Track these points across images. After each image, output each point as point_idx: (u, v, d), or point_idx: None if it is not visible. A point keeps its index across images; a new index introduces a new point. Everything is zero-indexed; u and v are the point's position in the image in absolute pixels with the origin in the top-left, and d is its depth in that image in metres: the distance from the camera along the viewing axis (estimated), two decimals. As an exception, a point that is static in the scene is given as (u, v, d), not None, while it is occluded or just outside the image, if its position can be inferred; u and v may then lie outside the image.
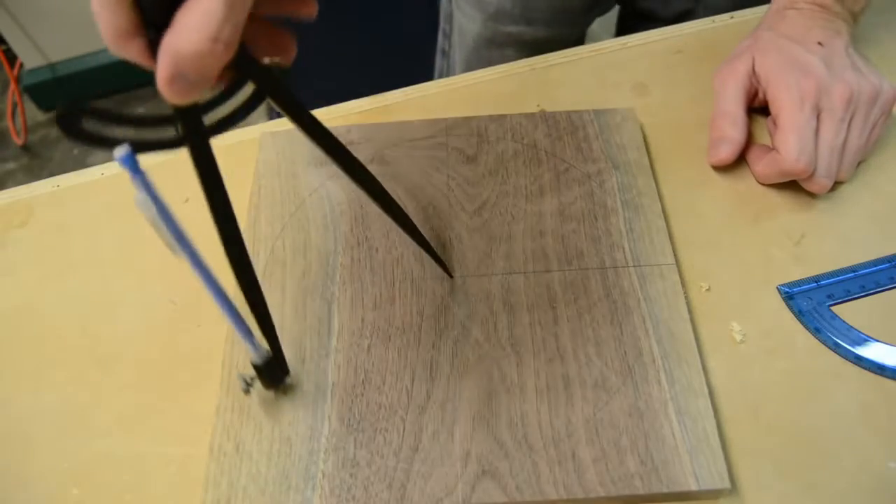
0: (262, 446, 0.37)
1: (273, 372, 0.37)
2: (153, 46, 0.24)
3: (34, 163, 1.68)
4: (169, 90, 0.24)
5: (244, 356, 0.40)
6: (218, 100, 0.27)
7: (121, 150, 0.25)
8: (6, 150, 1.70)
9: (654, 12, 0.73)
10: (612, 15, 0.82)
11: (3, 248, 0.48)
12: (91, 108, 0.24)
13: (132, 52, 0.25)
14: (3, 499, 0.38)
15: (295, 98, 0.30)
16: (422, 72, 0.87)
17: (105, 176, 0.51)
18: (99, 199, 0.50)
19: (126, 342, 0.43)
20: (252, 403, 0.38)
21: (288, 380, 0.38)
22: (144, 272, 0.46)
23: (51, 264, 0.47)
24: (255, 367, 0.36)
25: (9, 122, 1.70)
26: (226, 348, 0.40)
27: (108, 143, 0.25)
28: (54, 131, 1.73)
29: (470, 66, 0.76)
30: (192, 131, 0.27)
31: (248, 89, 0.28)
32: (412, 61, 0.88)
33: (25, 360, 0.42)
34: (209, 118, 0.27)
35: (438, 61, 0.85)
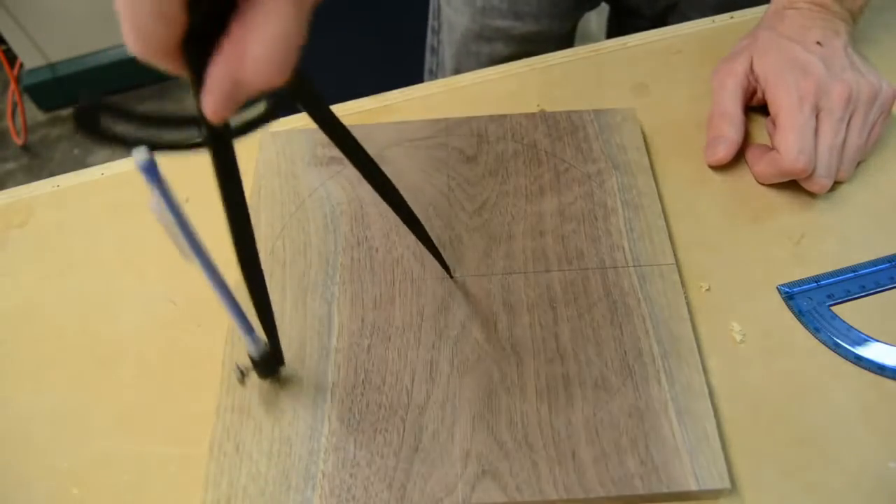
0: (262, 446, 0.37)
1: (269, 363, 0.37)
2: (196, 59, 0.22)
3: (34, 163, 1.68)
4: (218, 115, 0.23)
5: (244, 356, 0.40)
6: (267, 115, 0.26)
7: (140, 156, 0.24)
8: (6, 150, 1.70)
9: (639, 8, 0.73)
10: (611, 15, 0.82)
11: (3, 248, 0.48)
12: (110, 105, 0.22)
13: (173, 65, 0.22)
14: (3, 499, 0.38)
15: (324, 103, 0.30)
16: (421, 72, 0.87)
17: (105, 176, 0.51)
18: (99, 199, 0.50)
19: (126, 342, 0.43)
20: (252, 403, 0.38)
21: (283, 370, 0.39)
22: (144, 272, 0.46)
23: (51, 264, 0.47)
24: (252, 360, 0.37)
25: (9, 122, 1.70)
26: (226, 349, 0.40)
27: (129, 143, 0.24)
28: (54, 131, 1.73)
29: (459, 62, 0.76)
30: (218, 137, 0.26)
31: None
32: (413, 61, 0.88)
33: (25, 360, 0.42)
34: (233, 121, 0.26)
35: (428, 58, 0.85)
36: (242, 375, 0.38)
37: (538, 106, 0.52)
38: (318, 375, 0.39)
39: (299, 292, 0.42)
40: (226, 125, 0.25)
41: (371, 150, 0.49)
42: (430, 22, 0.82)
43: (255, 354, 0.36)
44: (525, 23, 0.70)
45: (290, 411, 0.38)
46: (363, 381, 0.39)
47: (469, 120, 0.50)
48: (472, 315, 0.41)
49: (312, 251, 0.44)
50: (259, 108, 0.26)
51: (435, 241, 0.43)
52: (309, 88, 0.28)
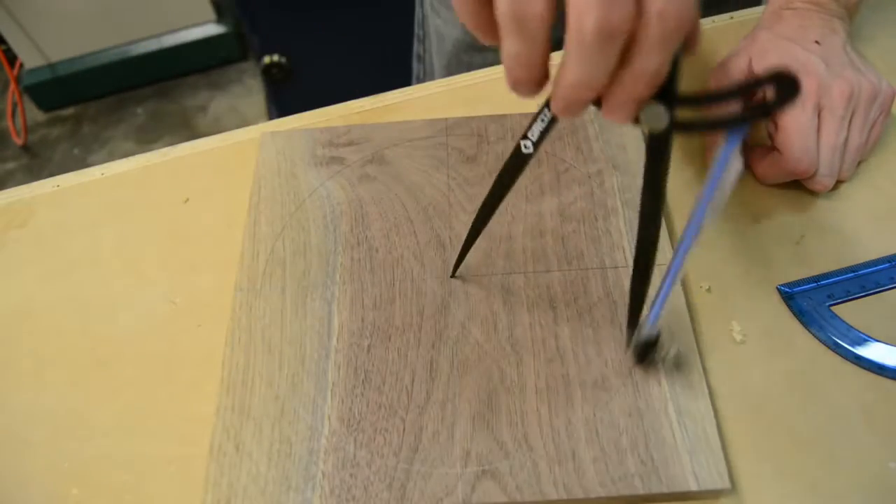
0: (262, 446, 0.37)
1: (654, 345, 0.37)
2: None
3: (34, 163, 1.68)
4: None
5: (244, 357, 0.40)
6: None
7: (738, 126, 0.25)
8: (6, 150, 1.70)
9: None
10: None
11: (3, 248, 0.48)
12: (679, 98, 0.26)
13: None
14: (2, 499, 0.38)
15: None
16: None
17: (105, 176, 0.51)
18: (99, 199, 0.50)
19: (126, 342, 0.43)
20: (252, 403, 0.38)
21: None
22: (144, 272, 0.46)
23: (51, 264, 0.47)
24: (647, 343, 0.37)
25: (9, 122, 1.70)
26: (226, 350, 0.40)
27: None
28: (54, 131, 1.73)
29: (450, 71, 0.75)
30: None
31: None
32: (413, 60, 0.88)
33: (25, 360, 0.42)
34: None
35: (415, 66, 0.85)
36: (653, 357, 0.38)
37: (538, 106, 0.52)
38: (318, 375, 0.39)
39: (299, 292, 0.42)
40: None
41: (371, 150, 0.49)
42: (416, 31, 0.81)
43: (653, 336, 0.36)
44: None
45: (290, 411, 0.38)
46: (363, 381, 0.39)
47: (469, 120, 0.50)
48: (472, 315, 0.41)
49: (312, 251, 0.44)
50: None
51: (435, 241, 0.43)
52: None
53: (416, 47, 0.83)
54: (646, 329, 0.36)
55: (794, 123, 0.44)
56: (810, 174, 0.44)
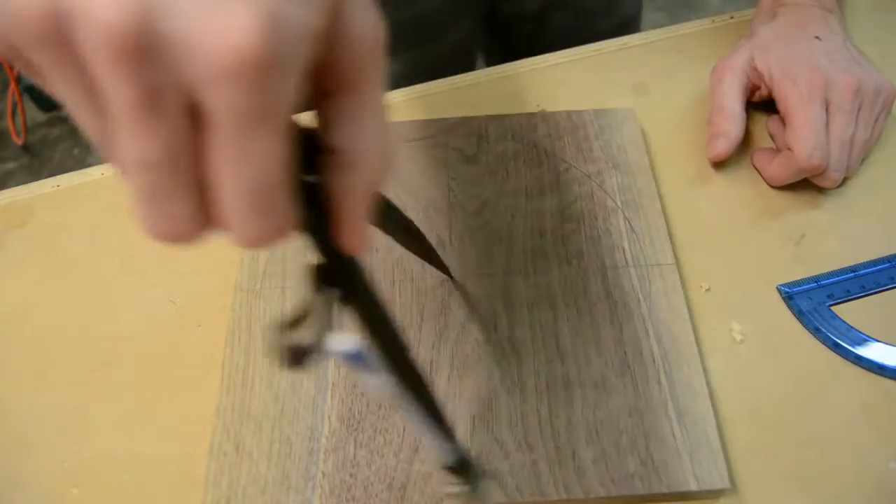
0: (262, 446, 0.37)
1: (469, 464, 0.30)
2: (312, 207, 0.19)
3: (34, 163, 1.68)
4: (364, 240, 0.20)
5: (244, 358, 0.40)
6: None
7: (346, 344, 0.19)
8: (6, 150, 1.70)
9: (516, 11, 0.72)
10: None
11: (3, 248, 0.48)
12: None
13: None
14: (2, 499, 0.38)
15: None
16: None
17: (105, 176, 0.51)
18: (99, 199, 0.50)
19: (126, 342, 0.43)
20: (252, 403, 0.38)
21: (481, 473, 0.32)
22: (144, 272, 0.46)
23: (51, 264, 0.47)
24: (451, 468, 0.30)
25: (9, 122, 1.70)
26: (226, 350, 0.40)
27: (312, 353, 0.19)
28: (54, 131, 1.73)
29: None
30: (354, 274, 0.22)
31: None
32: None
33: (25, 360, 0.42)
34: None
35: None
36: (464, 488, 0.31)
37: (538, 106, 0.52)
38: (318, 375, 0.39)
39: (299, 292, 0.42)
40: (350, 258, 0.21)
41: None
42: None
43: (453, 461, 0.29)
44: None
45: (290, 411, 0.38)
46: (363, 381, 0.39)
47: (469, 120, 0.50)
48: (472, 315, 0.41)
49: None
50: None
51: (435, 242, 0.43)
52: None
53: None
54: (449, 455, 0.29)
55: (805, 119, 0.43)
56: (822, 170, 0.43)
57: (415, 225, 0.34)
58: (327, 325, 0.19)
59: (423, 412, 0.26)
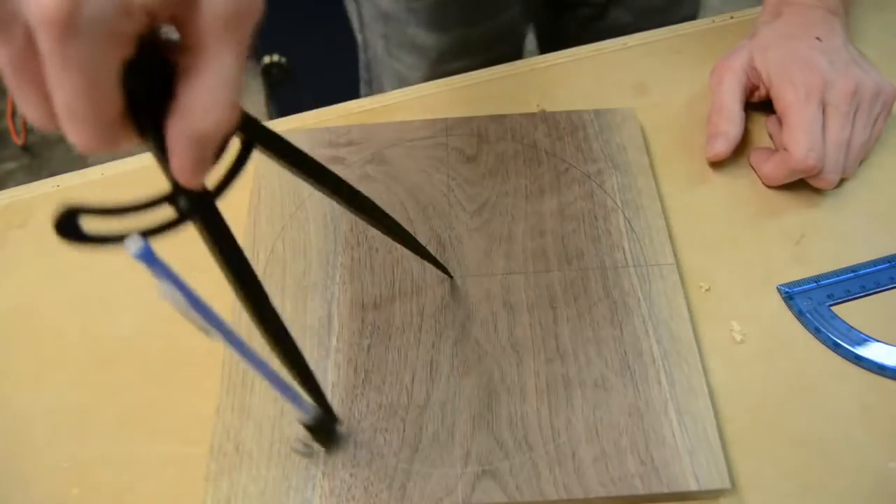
0: (262, 446, 0.37)
1: (328, 427, 0.34)
2: (153, 129, 0.22)
3: (34, 163, 1.68)
4: (193, 176, 0.23)
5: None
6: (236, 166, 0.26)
7: (135, 245, 0.23)
8: (6, 150, 1.70)
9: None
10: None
11: (3, 248, 0.48)
12: (84, 208, 0.22)
13: (119, 144, 0.22)
14: (3, 499, 0.37)
15: (282, 140, 0.29)
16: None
17: (105, 176, 0.51)
18: (99, 200, 0.50)
19: (126, 342, 0.43)
20: (252, 403, 0.38)
21: (340, 427, 0.36)
22: (144, 272, 0.45)
23: (51, 264, 0.47)
24: (308, 427, 0.33)
25: (9, 122, 1.70)
26: (226, 350, 0.40)
27: (114, 240, 0.23)
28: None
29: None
30: (200, 203, 0.25)
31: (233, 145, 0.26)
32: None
33: (25, 360, 0.42)
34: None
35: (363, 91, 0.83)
36: (308, 448, 0.35)
37: (538, 106, 0.52)
38: (319, 375, 0.39)
39: (299, 292, 0.42)
40: (203, 189, 0.25)
41: (371, 150, 0.49)
42: (362, 76, 0.80)
43: (309, 421, 0.33)
44: (475, 59, 0.65)
45: (290, 411, 0.38)
46: (363, 381, 0.39)
47: (469, 120, 0.50)
48: (472, 315, 0.41)
49: (312, 251, 0.44)
50: (227, 161, 0.26)
51: (435, 241, 0.43)
52: (260, 126, 0.28)
53: (364, 90, 0.81)
54: (301, 415, 0.33)
55: (801, 119, 0.43)
56: (817, 171, 0.43)
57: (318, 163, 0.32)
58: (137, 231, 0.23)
59: (280, 364, 0.30)
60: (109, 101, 0.21)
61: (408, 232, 0.38)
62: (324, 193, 0.33)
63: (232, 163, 0.26)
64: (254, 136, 0.27)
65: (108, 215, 0.23)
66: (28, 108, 0.21)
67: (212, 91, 0.22)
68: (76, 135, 0.21)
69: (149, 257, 0.24)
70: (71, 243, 0.22)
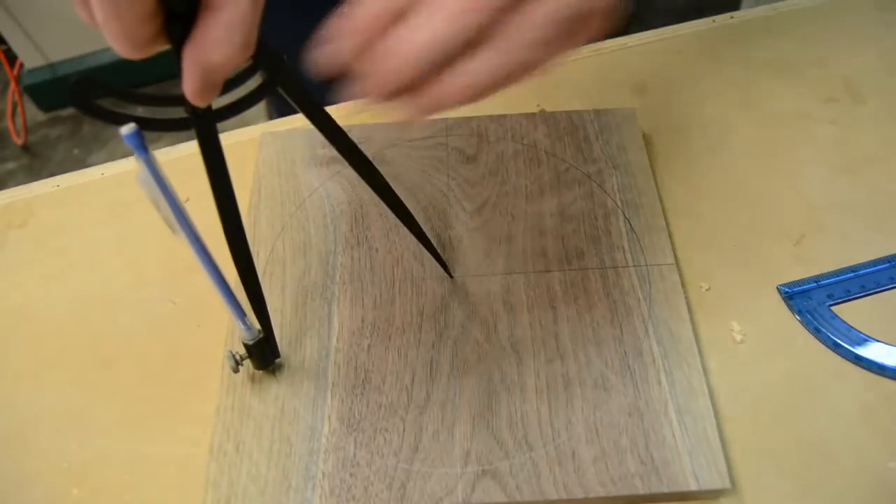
0: (262, 446, 0.37)
1: (263, 353, 0.38)
2: (177, 44, 0.24)
3: (34, 163, 1.68)
4: (198, 98, 0.25)
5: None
6: (228, 85, 0.28)
7: (127, 128, 0.26)
8: (6, 150, 1.70)
9: None
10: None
11: (3, 248, 0.48)
12: (104, 84, 0.25)
13: (151, 50, 0.25)
14: (3, 499, 0.38)
15: (305, 89, 0.31)
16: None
17: (105, 176, 0.51)
18: (99, 199, 0.50)
19: (126, 342, 0.43)
20: (252, 403, 0.38)
21: (278, 361, 0.39)
22: (144, 272, 0.46)
23: (51, 264, 0.47)
24: (246, 346, 0.37)
25: (9, 122, 1.70)
26: (226, 349, 0.40)
27: (119, 119, 0.26)
28: (54, 131, 1.73)
29: None
30: (202, 118, 0.28)
31: (256, 79, 0.29)
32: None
33: (25, 360, 0.42)
34: (217, 103, 0.28)
35: None
36: (237, 363, 0.37)
37: (538, 106, 0.52)
38: (318, 375, 0.39)
39: (299, 292, 0.42)
40: (208, 107, 0.27)
41: (371, 149, 0.49)
42: None
43: (248, 339, 0.36)
44: None
45: (290, 411, 0.38)
46: (363, 381, 0.39)
47: (469, 120, 0.50)
48: (472, 315, 0.41)
49: (312, 251, 0.44)
50: (240, 93, 0.29)
51: (435, 242, 0.43)
52: (287, 72, 0.30)
53: None
54: (243, 332, 0.36)
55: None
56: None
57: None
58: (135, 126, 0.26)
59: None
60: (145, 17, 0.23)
61: (414, 219, 0.39)
62: (338, 152, 0.35)
63: (244, 96, 0.29)
64: (275, 78, 0.30)
65: (120, 98, 0.26)
66: (90, 11, 0.23)
67: (225, 28, 0.23)
68: (109, 30, 0.23)
69: (136, 142, 0.26)
70: (79, 110, 0.25)
